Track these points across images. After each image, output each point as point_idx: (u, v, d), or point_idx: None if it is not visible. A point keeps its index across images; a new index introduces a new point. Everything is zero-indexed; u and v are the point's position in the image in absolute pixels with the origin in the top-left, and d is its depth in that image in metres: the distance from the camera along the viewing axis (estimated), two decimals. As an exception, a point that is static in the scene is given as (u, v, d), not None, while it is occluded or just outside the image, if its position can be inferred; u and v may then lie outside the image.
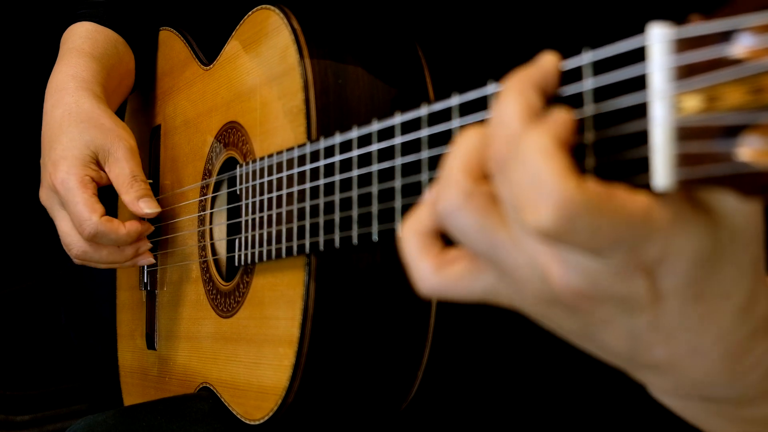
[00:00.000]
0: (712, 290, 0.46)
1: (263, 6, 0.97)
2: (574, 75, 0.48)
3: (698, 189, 0.44)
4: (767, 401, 0.51)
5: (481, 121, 0.56)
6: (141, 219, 1.18)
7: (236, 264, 0.98)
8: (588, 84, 0.47)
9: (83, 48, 1.16)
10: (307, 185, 0.81)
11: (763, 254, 0.47)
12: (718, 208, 0.45)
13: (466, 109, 0.57)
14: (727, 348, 0.48)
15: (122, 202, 1.32)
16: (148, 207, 1.07)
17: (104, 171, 1.09)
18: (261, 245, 0.91)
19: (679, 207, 0.44)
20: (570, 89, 0.48)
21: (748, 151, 0.39)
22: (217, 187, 1.09)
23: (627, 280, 0.45)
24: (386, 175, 0.68)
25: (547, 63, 0.49)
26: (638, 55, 0.44)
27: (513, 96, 0.46)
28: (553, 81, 0.48)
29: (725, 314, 0.47)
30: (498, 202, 0.48)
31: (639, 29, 0.44)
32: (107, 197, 1.10)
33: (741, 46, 0.40)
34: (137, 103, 1.33)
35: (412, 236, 0.52)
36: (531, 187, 0.43)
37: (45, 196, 1.10)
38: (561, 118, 0.46)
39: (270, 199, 0.90)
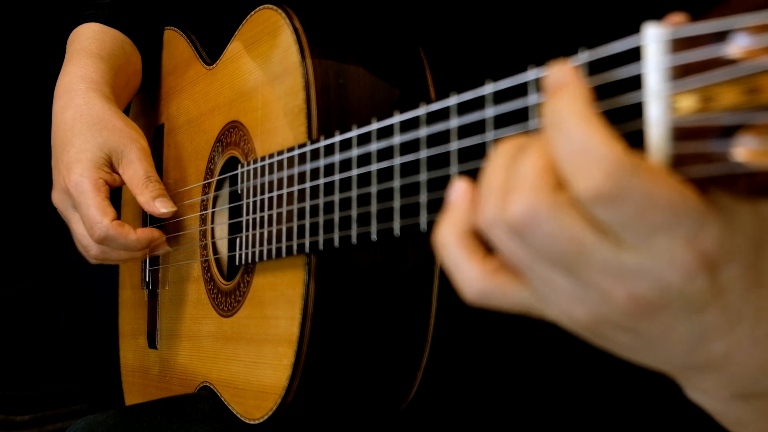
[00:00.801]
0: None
1: (266, 6, 0.97)
2: (571, 75, 0.48)
3: (694, 189, 0.44)
4: None
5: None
6: (142, 214, 1.19)
7: (237, 263, 0.98)
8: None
9: (91, 49, 1.16)
10: (307, 185, 0.81)
11: None
12: None
13: (464, 108, 0.57)
14: None
15: (125, 200, 1.33)
16: (163, 206, 1.08)
17: (117, 173, 1.10)
18: (261, 244, 0.91)
19: (718, 194, 0.44)
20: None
21: (743, 151, 0.39)
22: (219, 186, 1.09)
23: (693, 277, 0.44)
24: (385, 174, 0.68)
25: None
26: (634, 55, 0.44)
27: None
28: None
29: None
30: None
31: (635, 29, 0.44)
32: (110, 195, 1.10)
33: (736, 46, 0.40)
34: (141, 102, 1.34)
35: (454, 238, 0.50)
36: (579, 155, 0.43)
37: (58, 199, 1.11)
38: (580, 82, 0.45)
39: (270, 199, 0.90)
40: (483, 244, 0.50)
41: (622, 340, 0.48)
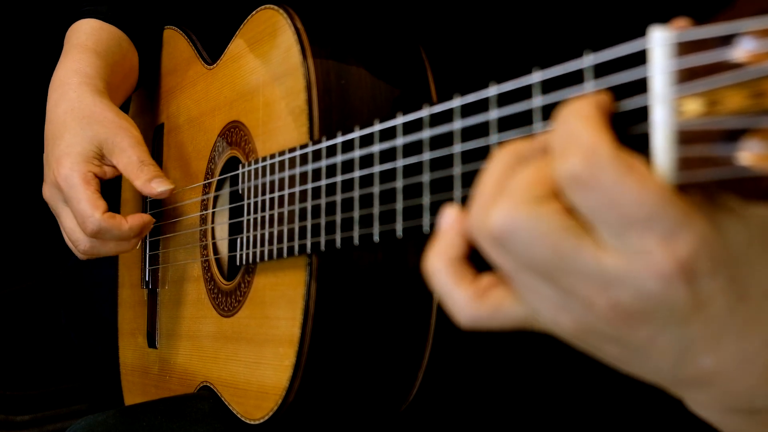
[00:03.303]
0: (756, 290, 0.45)
1: (267, 6, 0.97)
2: (576, 77, 0.48)
3: (700, 192, 0.43)
4: None
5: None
6: (149, 212, 1.19)
7: (237, 263, 0.98)
8: (589, 87, 0.47)
9: (87, 44, 1.16)
10: (309, 185, 0.81)
11: None
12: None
13: (467, 110, 0.57)
14: None
15: (124, 199, 1.33)
16: (160, 186, 1.07)
17: (110, 164, 1.09)
18: (262, 245, 0.91)
19: (707, 204, 0.43)
20: (571, 92, 0.48)
21: (748, 155, 0.39)
22: (220, 186, 1.09)
23: (669, 285, 0.43)
24: (387, 176, 0.68)
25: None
26: (639, 58, 0.44)
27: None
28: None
29: None
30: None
31: (641, 32, 0.44)
32: (110, 195, 1.10)
33: (742, 50, 0.40)
34: (141, 102, 1.33)
35: (442, 265, 0.51)
36: (567, 139, 0.44)
37: (48, 193, 1.10)
38: (602, 94, 0.46)
39: (272, 199, 0.90)
40: (473, 267, 0.51)
41: (609, 350, 0.48)
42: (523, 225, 0.45)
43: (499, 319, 0.50)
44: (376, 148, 0.69)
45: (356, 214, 0.73)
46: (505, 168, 0.48)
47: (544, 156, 0.47)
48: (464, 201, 0.58)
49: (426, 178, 0.62)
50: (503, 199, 0.46)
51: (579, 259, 0.44)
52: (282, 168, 0.87)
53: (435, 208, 0.61)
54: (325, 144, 0.79)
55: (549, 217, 0.45)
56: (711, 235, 0.43)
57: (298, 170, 0.84)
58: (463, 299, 0.50)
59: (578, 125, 0.44)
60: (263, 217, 0.91)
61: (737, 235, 0.44)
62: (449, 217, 0.52)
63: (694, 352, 0.46)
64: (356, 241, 0.73)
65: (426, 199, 0.62)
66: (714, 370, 0.47)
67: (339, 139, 0.76)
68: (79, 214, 1.05)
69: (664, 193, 0.42)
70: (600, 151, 0.43)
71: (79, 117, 1.08)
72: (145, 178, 1.07)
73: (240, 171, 0.98)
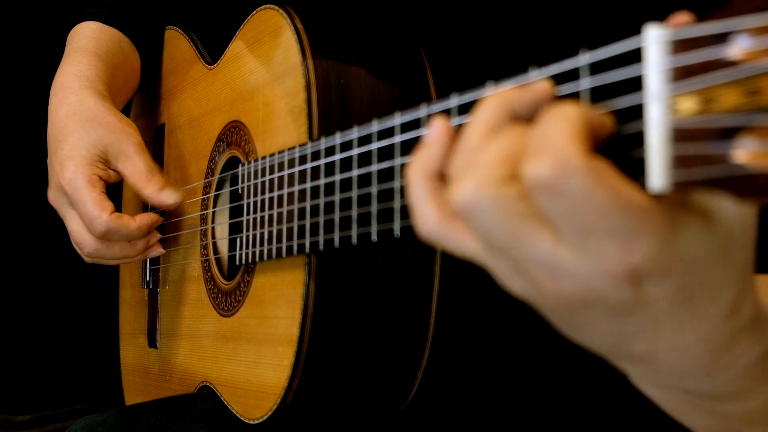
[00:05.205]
0: (702, 293, 0.46)
1: (267, 6, 0.97)
2: (572, 75, 0.48)
3: (695, 191, 0.43)
4: (744, 398, 0.52)
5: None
6: (150, 211, 1.19)
7: (237, 263, 0.98)
8: (584, 85, 0.47)
9: (88, 47, 1.16)
10: (308, 185, 0.81)
11: (752, 257, 0.48)
12: (715, 210, 0.45)
13: (464, 109, 0.57)
14: (707, 346, 0.49)
15: (126, 199, 1.33)
16: (171, 197, 1.07)
17: (114, 169, 1.09)
18: (262, 244, 0.91)
19: (676, 212, 0.44)
20: (567, 89, 0.48)
21: (743, 153, 0.39)
22: (220, 185, 1.09)
23: (616, 286, 0.45)
24: (385, 175, 0.68)
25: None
26: (635, 57, 0.44)
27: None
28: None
29: (709, 317, 0.48)
30: None
31: (636, 30, 0.44)
32: (110, 195, 1.10)
33: (737, 48, 0.39)
34: (142, 102, 1.34)
35: (420, 176, 0.52)
36: (540, 142, 0.44)
37: (53, 196, 1.10)
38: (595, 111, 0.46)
39: (271, 199, 0.90)
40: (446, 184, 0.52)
41: (552, 319, 0.50)
42: (484, 207, 0.46)
43: (455, 247, 0.51)
44: (374, 146, 0.69)
45: (354, 213, 0.73)
46: (485, 126, 0.49)
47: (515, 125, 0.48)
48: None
49: (423, 177, 0.62)
50: (471, 173, 0.47)
51: (535, 246, 0.46)
52: (281, 167, 0.87)
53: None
54: (323, 144, 0.79)
55: (511, 201, 0.46)
56: (667, 246, 0.44)
57: (297, 169, 0.84)
58: (429, 214, 0.52)
59: (556, 127, 0.44)
60: (262, 217, 0.91)
61: (697, 246, 0.45)
62: (437, 130, 0.53)
63: (630, 340, 0.49)
64: (354, 240, 0.73)
65: (423, 198, 0.62)
66: (647, 354, 0.49)
67: (338, 139, 0.76)
68: (86, 217, 1.05)
69: (630, 205, 0.43)
70: (569, 157, 0.43)
71: (82, 120, 1.08)
72: (155, 189, 1.07)
73: (240, 170, 0.98)
